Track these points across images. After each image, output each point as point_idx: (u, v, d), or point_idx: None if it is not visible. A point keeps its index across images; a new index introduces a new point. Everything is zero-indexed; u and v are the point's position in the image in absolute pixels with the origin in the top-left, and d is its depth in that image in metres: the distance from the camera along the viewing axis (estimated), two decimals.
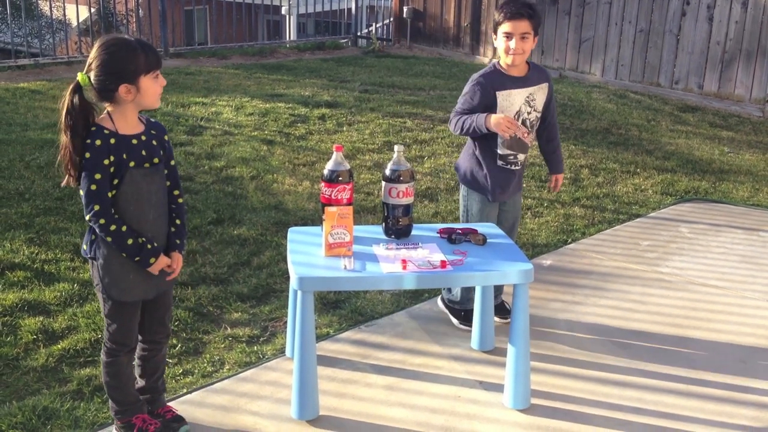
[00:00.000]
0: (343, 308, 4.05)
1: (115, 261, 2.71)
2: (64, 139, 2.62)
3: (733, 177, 6.59)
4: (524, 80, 3.63)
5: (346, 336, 3.80)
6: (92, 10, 11.13)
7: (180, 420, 3.00)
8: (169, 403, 3.08)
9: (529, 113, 3.66)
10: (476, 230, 3.41)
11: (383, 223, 3.39)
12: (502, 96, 3.59)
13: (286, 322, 3.76)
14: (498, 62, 3.67)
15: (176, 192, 2.86)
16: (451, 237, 3.35)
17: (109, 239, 2.65)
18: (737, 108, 8.82)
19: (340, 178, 3.22)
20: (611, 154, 6.95)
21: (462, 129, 3.63)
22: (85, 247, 2.78)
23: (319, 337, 3.70)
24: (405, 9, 12.00)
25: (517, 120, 3.61)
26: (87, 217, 2.64)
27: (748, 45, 8.68)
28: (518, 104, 3.62)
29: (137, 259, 2.69)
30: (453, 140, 6.86)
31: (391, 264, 3.09)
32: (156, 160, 2.73)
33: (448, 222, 5.09)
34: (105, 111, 2.68)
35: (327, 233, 3.12)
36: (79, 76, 2.60)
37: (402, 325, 3.93)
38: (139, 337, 2.93)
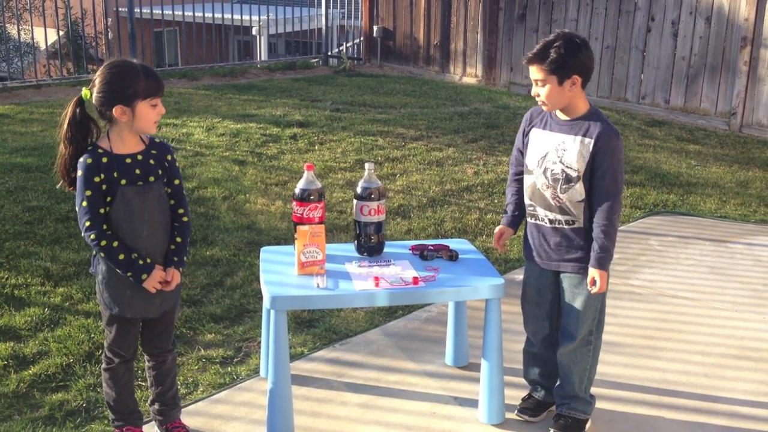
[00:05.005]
0: (317, 327, 4.05)
1: (113, 277, 2.79)
2: (62, 148, 2.75)
3: (700, 190, 6.69)
4: (568, 125, 3.04)
5: (320, 355, 3.80)
6: (61, 33, 11.08)
7: None
8: (145, 426, 3.07)
9: (554, 163, 3.03)
10: (448, 246, 3.43)
11: (355, 241, 3.41)
12: (535, 134, 3.11)
13: (260, 342, 3.75)
14: None
15: (180, 211, 2.90)
16: (423, 254, 3.37)
17: (101, 254, 2.74)
18: (703, 122, 8.96)
19: (312, 197, 3.23)
20: None
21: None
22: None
23: (293, 357, 3.69)
24: (375, 28, 12.07)
25: (540, 167, 3.07)
26: (82, 233, 2.73)
27: (712, 59, 8.84)
28: (547, 149, 3.06)
29: (129, 274, 2.75)
30: (424, 158, 6.91)
31: (364, 281, 3.10)
32: (151, 179, 2.79)
33: (421, 239, 5.11)
34: (105, 130, 2.79)
35: (299, 252, 3.13)
36: (83, 90, 2.74)
37: (376, 343, 3.93)
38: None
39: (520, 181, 3.23)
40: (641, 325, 4.20)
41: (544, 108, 3.06)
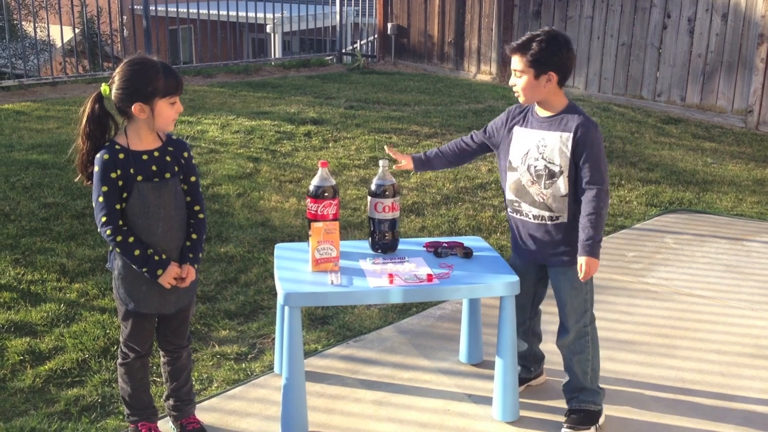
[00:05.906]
0: (331, 324, 4.05)
1: (129, 273, 2.81)
2: (79, 143, 2.78)
3: (716, 187, 6.65)
4: (548, 122, 3.10)
5: (334, 351, 3.80)
6: (76, 30, 11.13)
7: None
8: (159, 421, 3.08)
9: (536, 160, 3.10)
10: (462, 243, 3.42)
11: (369, 238, 3.41)
12: (517, 132, 3.17)
13: (274, 339, 3.76)
14: None
15: (197, 207, 2.92)
16: (437, 251, 3.36)
17: (117, 250, 2.76)
18: (720, 119, 8.90)
19: (326, 194, 3.23)
20: None
21: None
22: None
23: (308, 353, 3.70)
24: (389, 25, 12.06)
25: (524, 164, 3.13)
26: (98, 229, 2.74)
27: (729, 57, 8.78)
28: (528, 146, 3.13)
29: (144, 270, 2.77)
30: None
31: (378, 278, 3.10)
32: (167, 176, 2.80)
33: (435, 236, 5.10)
34: (122, 126, 2.80)
35: (313, 249, 3.13)
36: (103, 86, 2.75)
37: (390, 340, 3.93)
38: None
39: (463, 149, 3.41)
40: (657, 323, 4.18)
41: (519, 100, 3.13)
